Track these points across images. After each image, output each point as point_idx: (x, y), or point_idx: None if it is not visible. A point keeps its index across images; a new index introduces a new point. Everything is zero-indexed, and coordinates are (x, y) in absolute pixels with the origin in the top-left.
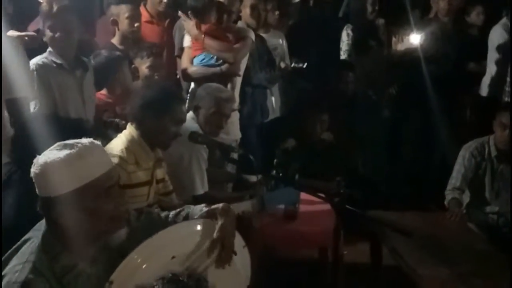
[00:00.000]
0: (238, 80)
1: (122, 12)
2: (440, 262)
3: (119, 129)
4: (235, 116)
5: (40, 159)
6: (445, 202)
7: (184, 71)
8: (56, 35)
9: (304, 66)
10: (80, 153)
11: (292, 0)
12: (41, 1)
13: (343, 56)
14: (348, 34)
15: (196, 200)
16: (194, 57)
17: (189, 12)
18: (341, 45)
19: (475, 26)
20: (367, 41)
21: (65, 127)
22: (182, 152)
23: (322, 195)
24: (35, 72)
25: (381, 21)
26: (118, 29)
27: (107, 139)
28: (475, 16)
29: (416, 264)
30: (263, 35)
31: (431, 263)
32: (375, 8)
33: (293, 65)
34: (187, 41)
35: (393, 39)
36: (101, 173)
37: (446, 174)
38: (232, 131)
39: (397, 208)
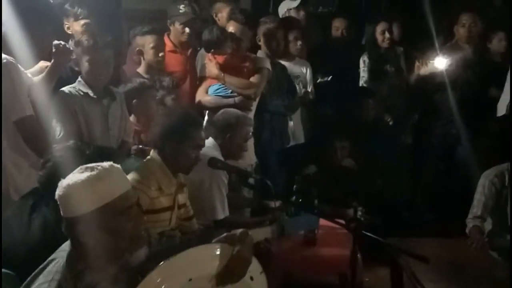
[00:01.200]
0: (254, 106)
1: (147, 42)
2: None
3: (145, 155)
4: (250, 141)
5: (64, 182)
6: (466, 231)
7: (199, 101)
8: (94, 69)
9: (329, 79)
10: (100, 175)
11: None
12: (79, 34)
13: (360, 82)
14: (364, 61)
15: (217, 225)
16: (210, 86)
17: (204, 45)
18: (360, 72)
19: (497, 53)
20: (382, 68)
21: (91, 155)
22: (203, 178)
23: (341, 221)
24: (60, 101)
25: (400, 49)
26: (144, 59)
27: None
28: (497, 42)
29: None
30: (286, 63)
31: None
32: (386, 36)
33: (318, 80)
34: (203, 71)
35: (416, 63)
36: (119, 194)
37: (468, 200)
38: (247, 156)
39: (418, 235)
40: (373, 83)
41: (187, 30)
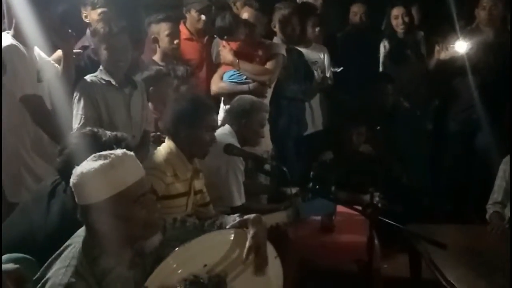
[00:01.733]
0: (269, 92)
1: (162, 30)
2: (479, 276)
3: (161, 142)
4: (265, 128)
5: (77, 170)
6: (487, 216)
7: (213, 87)
8: (113, 56)
9: (339, 70)
10: (113, 163)
11: None
12: (96, 22)
13: (380, 68)
14: (384, 46)
15: (234, 212)
16: (225, 72)
17: (217, 32)
18: (379, 57)
19: None
20: (402, 53)
21: (106, 142)
22: (219, 164)
23: (358, 207)
24: (81, 90)
25: (420, 33)
26: (159, 47)
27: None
28: None
29: (455, 278)
30: (303, 49)
31: (470, 277)
32: (405, 20)
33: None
34: (219, 57)
35: (436, 47)
36: (133, 182)
37: (489, 187)
38: (264, 142)
39: (438, 221)
40: (393, 68)
41: (203, 17)
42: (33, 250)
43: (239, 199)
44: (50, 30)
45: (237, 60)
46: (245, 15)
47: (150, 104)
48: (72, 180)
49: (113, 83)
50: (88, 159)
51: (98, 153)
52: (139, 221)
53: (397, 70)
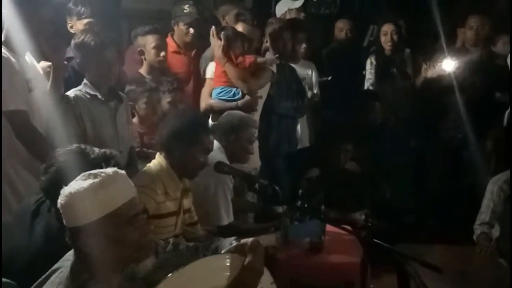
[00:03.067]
0: (259, 108)
1: (148, 42)
2: None
3: (149, 159)
4: (254, 144)
5: (66, 190)
6: (474, 237)
7: (202, 104)
8: (101, 69)
9: (329, 78)
10: (103, 182)
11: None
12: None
13: (366, 84)
14: (371, 63)
15: (221, 231)
16: (214, 88)
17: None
18: (365, 74)
19: (502, 56)
20: (389, 70)
21: (95, 159)
22: (208, 182)
23: (349, 227)
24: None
25: (407, 51)
26: (145, 59)
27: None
28: (501, 46)
29: None
30: (293, 65)
31: None
32: (393, 38)
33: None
34: (209, 72)
35: (423, 66)
36: (124, 202)
37: (475, 206)
38: (252, 159)
39: (424, 241)
40: (379, 85)
41: (191, 30)
42: (15, 273)
43: (227, 218)
44: (42, 39)
45: (225, 60)
46: (240, 30)
47: (135, 118)
48: (60, 200)
49: (99, 97)
50: (77, 178)
51: (87, 172)
52: (131, 244)
53: (383, 87)
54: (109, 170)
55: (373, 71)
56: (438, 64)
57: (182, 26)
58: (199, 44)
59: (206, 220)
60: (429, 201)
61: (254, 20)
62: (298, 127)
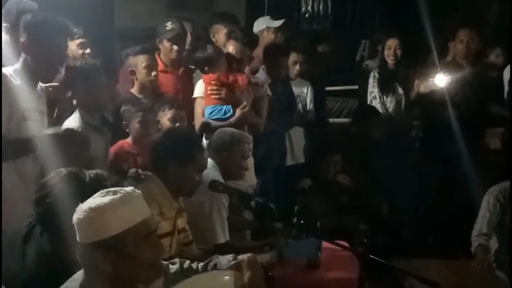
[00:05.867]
0: None
1: (139, 62)
2: None
3: (141, 179)
4: (250, 162)
5: (84, 206)
6: (472, 249)
7: (197, 124)
8: (95, 95)
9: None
10: (123, 199)
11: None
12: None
13: (369, 98)
14: (374, 77)
15: (217, 249)
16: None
17: (196, 63)
18: (368, 88)
19: (495, 68)
20: (391, 84)
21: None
22: (203, 201)
23: (345, 244)
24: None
25: (404, 63)
26: (136, 79)
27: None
28: (494, 58)
29: None
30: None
31: None
32: (396, 52)
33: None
34: (198, 91)
35: (416, 81)
36: (142, 219)
37: (471, 219)
38: (248, 176)
39: (421, 256)
40: (382, 99)
41: (175, 47)
42: None
43: (223, 236)
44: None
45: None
46: (230, 48)
47: (129, 138)
48: (78, 216)
49: (94, 123)
50: (95, 195)
51: (105, 189)
52: (145, 262)
53: (384, 100)
54: (127, 188)
55: (376, 84)
56: (430, 78)
57: (166, 43)
58: (185, 61)
59: (202, 239)
60: (425, 216)
61: (244, 39)
62: (288, 141)
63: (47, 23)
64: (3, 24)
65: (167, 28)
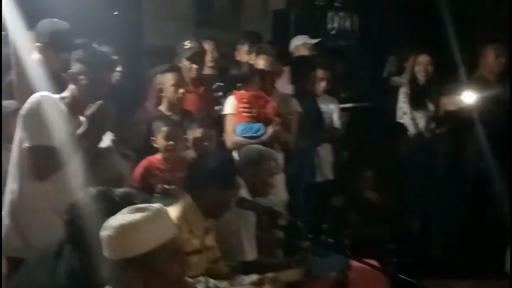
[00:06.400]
0: None
1: (167, 80)
2: None
3: (169, 195)
4: (280, 178)
5: (114, 222)
6: (506, 268)
7: (229, 143)
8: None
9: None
10: (154, 216)
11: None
12: None
13: (399, 114)
14: (404, 92)
15: (244, 267)
16: (236, 125)
17: (231, 80)
18: (398, 104)
19: None
20: (423, 100)
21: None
22: (230, 218)
23: (374, 263)
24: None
25: (433, 80)
26: (165, 97)
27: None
28: None
29: None
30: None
31: None
32: (428, 69)
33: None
34: (228, 107)
35: (443, 99)
36: (172, 236)
37: (504, 237)
38: (279, 193)
39: (452, 275)
40: (412, 115)
41: (194, 65)
42: None
43: (251, 254)
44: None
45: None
46: (261, 63)
47: (158, 155)
48: (108, 233)
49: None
50: (123, 212)
51: (134, 206)
52: (174, 279)
53: (414, 116)
54: (155, 205)
55: (406, 100)
56: (459, 95)
57: (185, 62)
58: (206, 80)
59: (230, 256)
60: (456, 233)
61: (274, 54)
62: (317, 157)
63: (97, 57)
64: (36, 44)
65: (186, 47)
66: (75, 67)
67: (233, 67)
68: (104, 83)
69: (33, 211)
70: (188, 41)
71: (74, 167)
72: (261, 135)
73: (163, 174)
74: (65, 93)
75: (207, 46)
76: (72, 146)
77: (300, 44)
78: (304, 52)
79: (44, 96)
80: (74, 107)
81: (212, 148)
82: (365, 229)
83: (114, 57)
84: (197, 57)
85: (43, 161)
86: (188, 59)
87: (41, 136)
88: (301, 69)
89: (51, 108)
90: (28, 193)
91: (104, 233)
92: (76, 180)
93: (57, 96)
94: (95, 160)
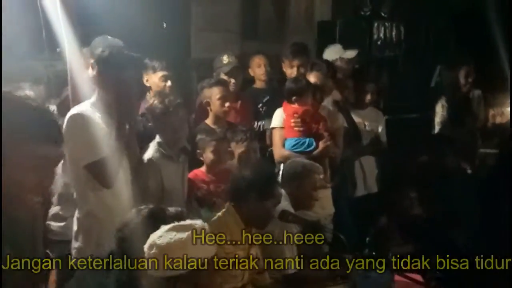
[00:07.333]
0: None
1: (214, 94)
2: None
3: (214, 206)
4: (327, 191)
5: (159, 241)
6: None
7: (277, 156)
8: (171, 133)
9: None
10: (198, 234)
11: None
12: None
13: (437, 127)
14: (443, 106)
15: (287, 279)
16: (286, 139)
17: (286, 93)
18: (435, 117)
19: None
20: (462, 113)
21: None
22: (273, 230)
23: (418, 277)
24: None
25: (477, 92)
26: (211, 110)
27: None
28: None
29: None
30: (360, 111)
31: None
32: (468, 80)
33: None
34: (277, 121)
35: (491, 111)
36: (214, 251)
37: None
38: (326, 206)
39: None
40: (452, 129)
41: (232, 80)
42: None
43: (293, 266)
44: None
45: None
46: (312, 79)
47: (203, 167)
48: (155, 251)
49: (173, 156)
50: (167, 229)
51: (177, 224)
52: None
53: (454, 130)
54: (198, 222)
55: (444, 113)
56: (505, 107)
57: (223, 77)
58: (244, 95)
59: (273, 268)
60: (503, 249)
61: (326, 71)
62: (359, 170)
63: (116, 57)
64: (90, 61)
65: (224, 62)
66: (94, 68)
67: (289, 80)
68: (129, 83)
69: (100, 218)
70: (225, 56)
71: (123, 174)
72: (313, 150)
73: (208, 186)
74: (93, 99)
75: (259, 60)
76: (119, 151)
77: (337, 58)
78: (343, 65)
79: (75, 113)
80: (106, 108)
81: (256, 161)
82: (409, 244)
83: (151, 62)
84: (235, 72)
85: (103, 172)
86: (227, 74)
87: (89, 154)
88: (362, 82)
89: (87, 122)
90: (94, 201)
91: (150, 251)
92: (126, 187)
93: (87, 103)
94: (140, 166)
